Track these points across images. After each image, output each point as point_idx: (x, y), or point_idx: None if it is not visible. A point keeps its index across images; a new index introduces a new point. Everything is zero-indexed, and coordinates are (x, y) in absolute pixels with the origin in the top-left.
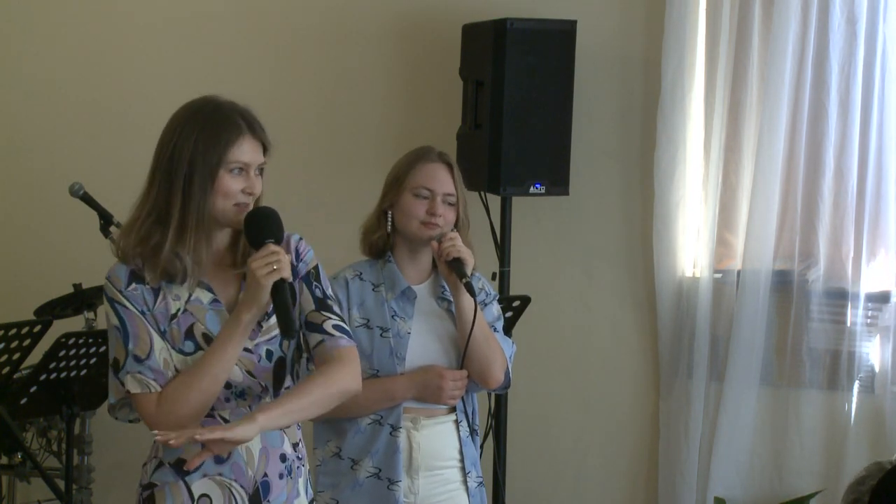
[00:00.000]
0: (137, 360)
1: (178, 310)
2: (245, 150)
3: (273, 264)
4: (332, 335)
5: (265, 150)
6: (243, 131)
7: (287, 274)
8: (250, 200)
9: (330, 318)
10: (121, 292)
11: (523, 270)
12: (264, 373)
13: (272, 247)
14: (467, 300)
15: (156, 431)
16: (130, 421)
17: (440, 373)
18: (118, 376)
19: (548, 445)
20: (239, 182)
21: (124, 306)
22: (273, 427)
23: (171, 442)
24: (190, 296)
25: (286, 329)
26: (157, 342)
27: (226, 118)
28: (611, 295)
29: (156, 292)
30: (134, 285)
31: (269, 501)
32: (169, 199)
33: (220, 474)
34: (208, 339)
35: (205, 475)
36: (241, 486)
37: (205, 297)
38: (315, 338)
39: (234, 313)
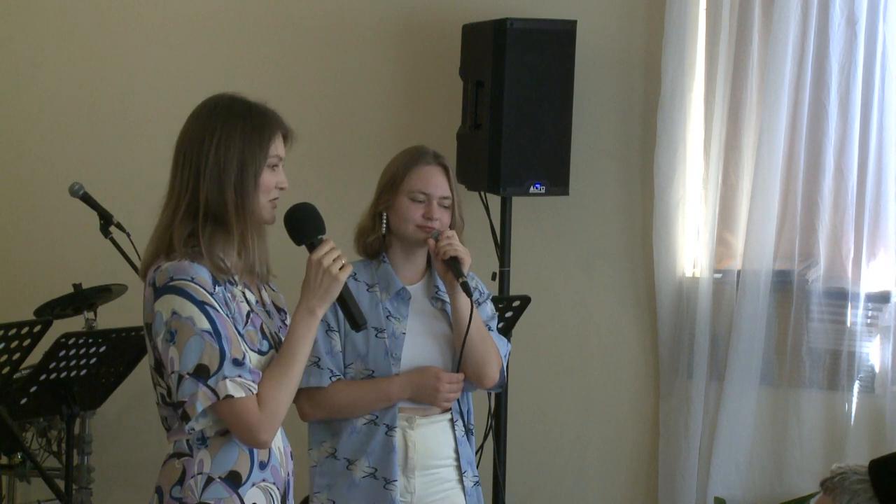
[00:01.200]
0: (237, 363)
1: (249, 311)
2: (280, 145)
3: (342, 258)
4: None
5: (285, 143)
6: (278, 126)
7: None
8: (280, 195)
9: None
10: (212, 295)
11: (523, 270)
12: None
13: (330, 241)
14: (463, 299)
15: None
16: (191, 430)
17: (436, 374)
18: (208, 383)
19: (548, 445)
20: (275, 177)
21: (216, 309)
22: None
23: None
24: (245, 297)
25: (359, 321)
26: (243, 344)
27: (263, 114)
28: (611, 295)
29: (229, 295)
30: (217, 288)
31: (289, 499)
32: (221, 200)
33: (263, 480)
34: (276, 337)
35: (253, 484)
36: (277, 488)
37: (252, 297)
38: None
39: (306, 309)
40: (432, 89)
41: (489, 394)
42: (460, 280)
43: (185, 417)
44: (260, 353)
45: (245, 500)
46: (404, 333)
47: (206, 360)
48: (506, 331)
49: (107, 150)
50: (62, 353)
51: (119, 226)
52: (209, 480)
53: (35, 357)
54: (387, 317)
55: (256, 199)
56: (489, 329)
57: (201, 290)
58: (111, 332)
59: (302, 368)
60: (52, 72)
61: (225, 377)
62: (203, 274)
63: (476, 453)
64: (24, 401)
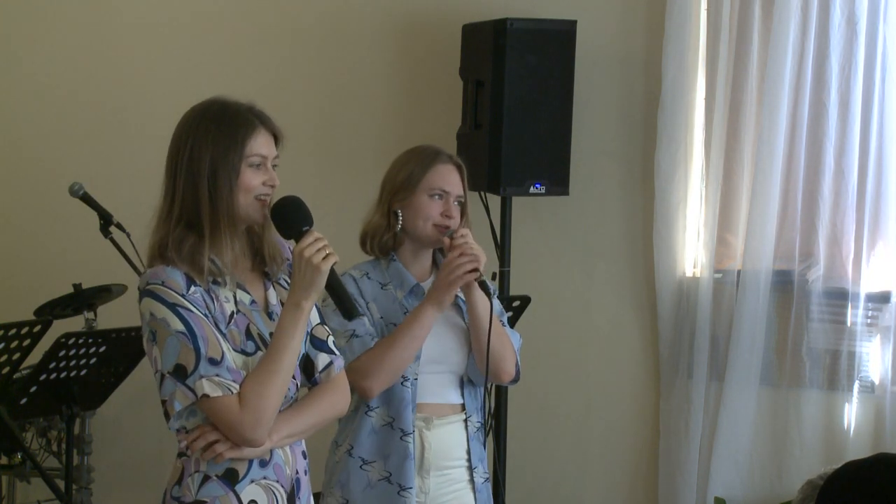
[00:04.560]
0: (213, 362)
1: (233, 311)
2: (261, 143)
3: (325, 248)
4: (336, 354)
5: (276, 142)
6: (257, 125)
7: (338, 257)
8: (272, 192)
9: (329, 333)
10: (184, 296)
11: (523, 270)
12: (298, 372)
13: (315, 232)
14: (480, 297)
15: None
16: (179, 430)
17: (444, 263)
18: (186, 382)
19: (548, 445)
20: (259, 176)
21: (189, 310)
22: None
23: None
24: (235, 297)
25: (351, 310)
26: (224, 344)
27: (237, 114)
28: (611, 295)
29: (209, 295)
30: (193, 288)
31: (300, 499)
32: (196, 203)
33: (264, 478)
34: (263, 339)
35: (252, 481)
36: (282, 486)
37: (245, 298)
38: (323, 358)
39: (292, 302)
40: (432, 89)
41: (491, 392)
42: (478, 279)
43: (167, 416)
44: (244, 353)
45: (242, 498)
46: None
47: (183, 359)
48: None
49: (107, 150)
50: (62, 353)
51: (119, 226)
52: (205, 478)
53: (35, 357)
54: (404, 313)
55: (234, 199)
56: (501, 324)
57: (171, 292)
58: (111, 332)
59: (291, 364)
60: (52, 72)
61: (202, 376)
62: (175, 276)
63: None
64: (24, 401)
